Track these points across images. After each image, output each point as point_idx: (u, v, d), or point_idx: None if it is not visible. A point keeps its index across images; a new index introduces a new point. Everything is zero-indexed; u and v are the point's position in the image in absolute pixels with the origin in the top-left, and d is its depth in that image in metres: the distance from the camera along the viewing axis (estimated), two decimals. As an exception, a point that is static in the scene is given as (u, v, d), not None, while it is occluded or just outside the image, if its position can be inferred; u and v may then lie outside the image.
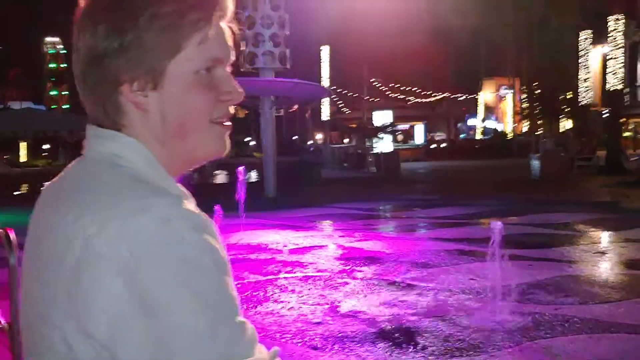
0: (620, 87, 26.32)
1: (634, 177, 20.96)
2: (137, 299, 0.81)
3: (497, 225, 6.27)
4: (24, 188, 25.83)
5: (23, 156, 42.36)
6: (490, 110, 59.64)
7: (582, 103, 36.16)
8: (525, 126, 53.68)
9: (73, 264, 0.85)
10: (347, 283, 7.41)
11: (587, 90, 35.66)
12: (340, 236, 10.96)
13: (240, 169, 11.85)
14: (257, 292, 6.97)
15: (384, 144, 38.62)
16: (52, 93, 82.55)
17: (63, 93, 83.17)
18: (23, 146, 42.24)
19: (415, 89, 61.12)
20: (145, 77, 0.92)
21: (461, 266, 8.23)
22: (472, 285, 7.17)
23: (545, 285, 7.17)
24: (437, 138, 57.30)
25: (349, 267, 8.33)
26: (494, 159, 36.81)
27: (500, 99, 57.80)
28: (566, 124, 47.61)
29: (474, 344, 5.18)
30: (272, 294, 6.92)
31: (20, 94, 68.97)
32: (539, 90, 47.92)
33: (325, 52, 56.60)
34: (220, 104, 0.97)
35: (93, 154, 0.96)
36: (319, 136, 56.74)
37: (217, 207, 8.60)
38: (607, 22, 26.78)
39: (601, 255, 8.94)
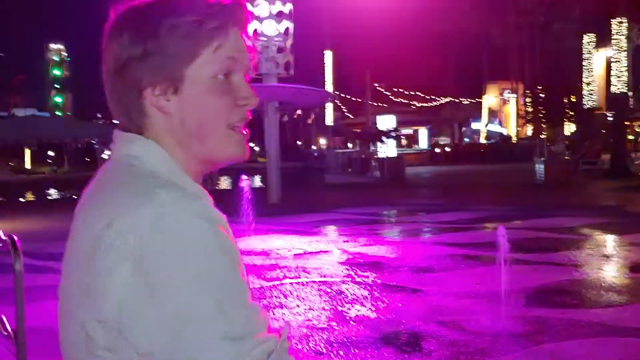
0: (624, 90, 26.28)
1: (639, 181, 20.91)
2: (146, 284, 0.86)
3: (502, 229, 6.25)
4: (29, 195, 25.88)
5: (27, 163, 42.47)
6: (494, 114, 59.62)
7: (586, 106, 36.08)
8: (529, 130, 53.64)
9: (87, 255, 0.91)
10: (351, 288, 7.40)
11: (591, 94, 35.61)
12: (344, 241, 10.95)
13: (244, 176, 11.89)
14: (262, 298, 6.97)
15: (387, 149, 38.61)
16: (56, 100, 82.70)
17: (67, 100, 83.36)
18: (27, 153, 42.35)
19: (419, 93, 61.12)
20: (166, 82, 0.99)
21: (466, 271, 8.22)
22: (478, 289, 7.15)
23: (551, 289, 7.15)
24: (441, 142, 57.26)
25: (353, 272, 8.32)
26: (498, 163, 36.77)
27: (504, 102, 57.76)
28: (570, 128, 47.57)
29: (480, 349, 5.17)
30: (277, 300, 6.91)
31: (24, 101, 69.13)
32: (543, 94, 47.92)
33: (328, 57, 56.68)
34: (237, 108, 1.03)
35: (115, 157, 1.03)
36: (323, 141, 56.78)
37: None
38: (611, 26, 26.77)
39: (606, 259, 8.91)
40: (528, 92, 52.74)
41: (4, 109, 63.10)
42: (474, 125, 63.00)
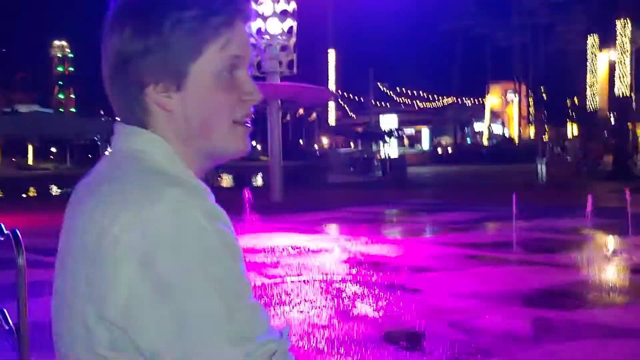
0: (627, 92, 26.25)
1: (641, 183, 20.88)
2: (153, 283, 0.84)
3: (503, 230, 6.25)
4: (32, 191, 25.91)
5: (30, 159, 42.53)
6: (496, 115, 59.56)
7: (589, 108, 36.04)
8: (531, 131, 53.59)
9: (91, 251, 0.89)
10: (353, 287, 7.39)
11: (594, 95, 35.55)
12: (346, 240, 10.95)
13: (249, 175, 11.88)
14: (263, 295, 6.97)
15: (390, 149, 38.60)
16: (59, 96, 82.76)
17: (71, 96, 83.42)
18: (30, 149, 42.41)
19: (422, 93, 61.11)
20: (169, 79, 0.96)
21: (468, 271, 8.21)
22: (480, 289, 7.15)
23: (553, 290, 7.14)
24: (443, 142, 57.22)
25: (355, 271, 8.32)
26: (500, 163, 36.75)
27: (507, 103, 57.71)
28: (573, 129, 47.52)
29: (482, 349, 5.16)
30: (279, 297, 6.91)
31: (28, 97, 69.22)
32: (546, 95, 47.88)
33: (331, 56, 56.66)
34: (242, 104, 1.01)
35: (118, 149, 1.00)
36: (325, 140, 56.78)
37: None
38: (615, 27, 26.73)
39: (609, 260, 8.90)
40: (531, 93, 52.73)
41: (7, 106, 63.20)
42: (476, 126, 62.94)
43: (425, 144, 58.87)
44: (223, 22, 0.97)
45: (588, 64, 34.85)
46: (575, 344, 5.26)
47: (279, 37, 18.84)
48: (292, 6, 19.07)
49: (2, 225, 3.84)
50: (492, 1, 46.13)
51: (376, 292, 7.12)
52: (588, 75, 35.01)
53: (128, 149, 0.98)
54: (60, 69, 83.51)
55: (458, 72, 60.99)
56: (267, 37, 18.75)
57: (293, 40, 19.19)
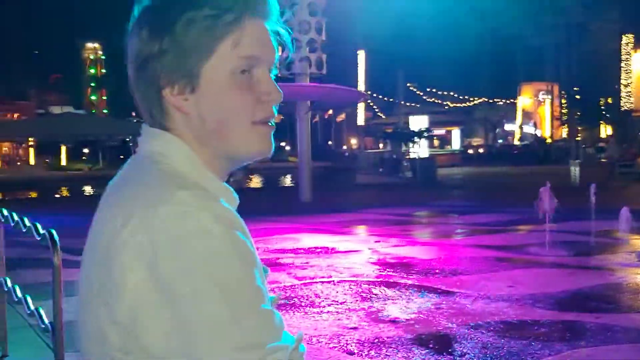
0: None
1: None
2: (159, 287, 0.84)
3: (535, 232, 6.18)
4: (66, 191, 26.32)
5: (63, 160, 43.20)
6: (528, 116, 58.90)
7: (624, 108, 35.46)
8: (564, 132, 52.89)
9: (103, 253, 0.89)
10: (382, 288, 7.37)
11: (629, 96, 34.97)
12: (375, 241, 10.92)
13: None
14: (293, 296, 6.98)
15: (419, 149, 38.41)
16: (92, 98, 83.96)
17: (103, 98, 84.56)
18: (63, 150, 43.08)
19: (452, 93, 60.70)
20: (183, 80, 0.96)
21: (500, 273, 8.13)
22: (511, 292, 7.07)
23: (586, 293, 7.04)
24: (474, 143, 56.77)
25: (385, 273, 8.29)
26: (532, 165, 36.32)
27: (539, 104, 57.03)
28: (606, 130, 46.78)
29: (513, 352, 5.10)
30: (308, 298, 6.92)
31: (60, 99, 70.31)
32: (579, 96, 47.20)
33: (361, 56, 56.58)
34: (262, 104, 0.99)
35: (141, 152, 1.00)
36: (354, 141, 56.70)
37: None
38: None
39: (644, 264, 8.74)
40: (564, 93, 52.04)
41: (41, 107, 64.27)
42: (508, 127, 62.32)
43: (456, 145, 58.43)
44: (232, 21, 0.95)
45: (622, 63, 34.27)
46: (609, 348, 5.18)
47: (309, 37, 18.85)
48: (322, 3, 19.06)
49: (39, 225, 3.91)
50: (525, 0, 45.61)
51: (406, 294, 7.09)
52: (623, 75, 34.44)
53: (148, 151, 0.98)
54: (92, 70, 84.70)
55: (489, 73, 60.50)
56: (297, 37, 18.77)
57: (323, 40, 19.19)
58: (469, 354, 5.11)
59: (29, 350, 5.14)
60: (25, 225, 4.00)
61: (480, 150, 52.03)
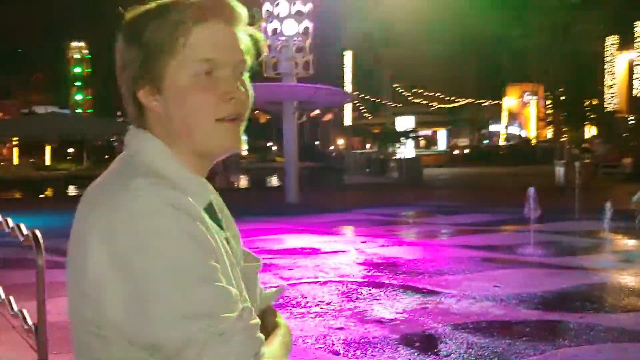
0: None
1: (661, 185, 20.64)
2: (116, 262, 0.94)
3: (521, 232, 6.21)
4: (50, 191, 26.12)
5: (48, 160, 42.86)
6: (513, 117, 59.19)
7: (607, 109, 35.75)
8: (549, 132, 53.24)
9: (75, 237, 1.02)
10: (369, 289, 7.39)
11: (613, 97, 35.26)
12: (362, 242, 10.94)
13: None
14: (280, 297, 6.96)
15: (406, 150, 38.50)
16: (77, 97, 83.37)
17: (88, 97, 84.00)
18: (48, 150, 42.75)
19: (438, 94, 60.89)
20: (151, 83, 1.07)
21: (485, 273, 8.17)
22: (496, 292, 7.11)
23: (570, 293, 7.09)
24: (460, 144, 56.98)
25: (371, 273, 8.30)
26: (517, 165, 36.50)
27: (524, 105, 57.34)
28: (591, 131, 47.11)
29: (498, 352, 5.13)
30: (294, 299, 6.92)
31: (45, 99, 69.74)
32: (564, 97, 47.48)
33: (347, 57, 56.64)
34: (225, 103, 1.07)
35: (125, 149, 1.11)
36: (341, 142, 56.71)
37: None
38: (634, 28, 26.48)
39: (627, 264, 8.81)
40: (548, 94, 52.37)
41: (25, 107, 63.74)
42: (494, 127, 62.62)
43: (442, 145, 58.64)
44: (193, 24, 1.05)
45: (607, 65, 34.55)
46: (593, 347, 5.22)
47: (295, 38, 18.86)
48: (308, 7, 19.07)
49: (22, 226, 3.88)
50: (510, 2, 45.86)
51: (392, 294, 7.11)
52: (607, 77, 34.71)
53: (131, 148, 1.09)
54: (77, 69, 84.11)
55: (475, 74, 60.75)
56: (283, 38, 18.77)
57: (309, 41, 19.19)
58: (454, 353, 5.13)
59: (13, 351, 5.10)
60: (9, 226, 3.98)
61: (466, 151, 52.23)
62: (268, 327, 1.14)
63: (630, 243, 10.64)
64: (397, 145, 38.34)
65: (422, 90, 60.76)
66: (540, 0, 43.62)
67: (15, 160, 42.69)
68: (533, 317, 6.14)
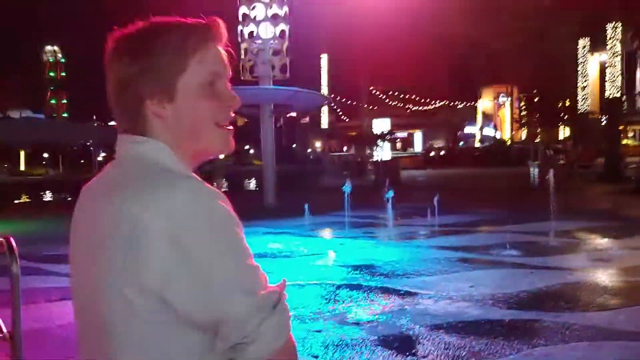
0: (618, 94, 26.39)
1: (633, 185, 20.97)
2: (181, 254, 1.06)
3: (497, 233, 6.28)
4: (25, 197, 25.79)
5: (22, 165, 42.33)
6: (488, 118, 59.71)
7: (581, 111, 36.21)
8: (523, 134, 53.76)
9: (125, 237, 1.08)
10: (347, 290, 7.41)
11: (585, 98, 35.73)
12: (340, 244, 10.96)
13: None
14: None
15: (383, 152, 38.65)
16: (51, 102, 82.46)
17: (62, 102, 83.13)
18: (22, 155, 42.21)
19: (414, 97, 61.20)
20: (162, 93, 1.19)
21: (461, 274, 8.24)
22: (472, 292, 7.17)
23: (545, 292, 7.18)
24: (436, 146, 57.30)
25: (349, 275, 8.33)
26: (492, 166, 36.83)
27: (499, 106, 57.86)
28: (564, 132, 47.60)
29: (475, 351, 5.18)
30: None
31: (19, 103, 68.91)
32: (538, 98, 47.95)
33: (324, 60, 56.72)
34: (223, 109, 1.23)
35: (129, 156, 1.21)
36: (318, 144, 56.75)
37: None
38: (605, 30, 26.88)
39: (601, 263, 8.93)
40: (523, 95, 52.89)
41: (-1, 111, 62.83)
42: (469, 129, 63.06)
43: (418, 147, 58.95)
44: (199, 43, 1.20)
45: (579, 67, 34.98)
46: (568, 346, 5.29)
47: (272, 41, 18.85)
48: (284, 10, 19.09)
49: (-4, 233, 3.83)
50: (484, 6, 46.26)
51: (370, 296, 7.14)
52: (579, 78, 35.13)
53: (138, 154, 1.19)
54: (52, 74, 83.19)
55: (450, 76, 61.17)
56: (260, 41, 18.76)
57: (286, 44, 19.20)
58: (431, 354, 5.17)
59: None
60: (-18, 233, 3.93)
61: (442, 153, 52.57)
62: None
63: (603, 242, 10.79)
64: (374, 147, 38.44)
65: (398, 93, 61.02)
66: (514, 3, 44.10)
67: (-11, 166, 42.06)
68: (509, 316, 6.20)
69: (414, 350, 5.28)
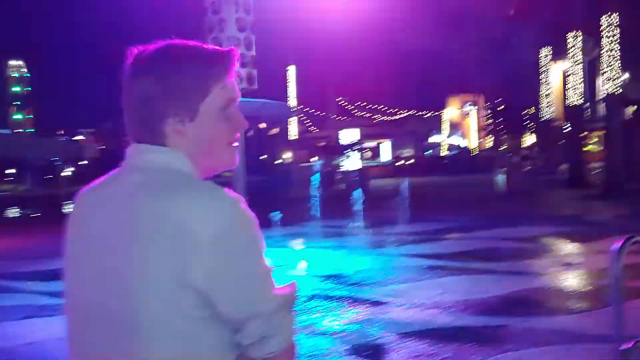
0: (580, 102, 26.86)
1: (597, 190, 21.34)
2: (226, 257, 1.18)
3: (465, 240, 6.35)
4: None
5: (-14, 181, 41.56)
6: (455, 127, 60.31)
7: (544, 118, 36.78)
8: (489, 142, 54.43)
9: (169, 238, 1.16)
10: (318, 301, 7.40)
11: (549, 106, 36.29)
12: (310, 254, 10.95)
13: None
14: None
15: (351, 162, 38.77)
16: (16, 117, 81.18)
17: (28, 116, 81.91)
18: (-14, 171, 41.44)
19: (382, 107, 61.62)
20: (184, 114, 1.29)
21: (431, 281, 8.29)
22: (442, 299, 7.22)
23: (515, 298, 7.26)
24: (404, 155, 57.67)
25: (319, 285, 8.33)
26: (460, 174, 37.18)
27: (465, 115, 58.52)
28: (529, 139, 48.32)
29: (445, 358, 5.22)
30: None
31: (-18, 118, 67.64)
32: (502, 106, 48.66)
33: (291, 71, 56.82)
34: (233, 131, 1.36)
35: (153, 164, 1.28)
36: (287, 155, 56.71)
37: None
38: (566, 39, 27.39)
39: (568, 267, 9.07)
40: (488, 104, 53.60)
41: (-39, 127, 61.64)
42: (436, 138, 63.63)
43: (387, 157, 59.22)
44: (222, 72, 1.31)
45: (542, 75, 35.55)
46: (538, 350, 5.35)
47: (239, 52, 18.83)
48: (250, 19, 19.08)
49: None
50: (448, 15, 46.85)
51: (341, 306, 7.14)
52: (542, 86, 35.69)
53: (164, 163, 1.28)
54: (16, 88, 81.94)
55: (416, 86, 61.72)
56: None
57: (253, 55, 19.19)
58: (403, 362, 5.19)
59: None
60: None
61: (410, 162, 52.91)
62: None
63: (569, 247, 10.96)
64: (343, 157, 38.57)
65: (365, 104, 61.38)
66: (477, 13, 44.71)
67: (-49, 183, 41.27)
68: (479, 322, 6.26)
69: (385, 359, 5.30)
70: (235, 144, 1.37)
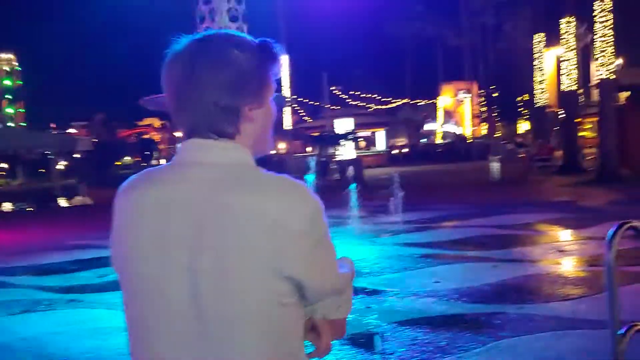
0: (574, 88, 26.86)
1: (591, 176, 21.39)
2: (316, 247, 1.29)
3: (460, 228, 6.35)
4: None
5: (-21, 176, 41.41)
6: (449, 115, 60.30)
7: (538, 105, 36.79)
8: (484, 129, 54.47)
9: (266, 233, 1.23)
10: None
11: (543, 92, 36.27)
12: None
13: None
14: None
15: (346, 151, 38.75)
16: (8, 110, 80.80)
17: (20, 110, 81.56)
18: (-21, 166, 41.30)
19: (375, 95, 61.55)
20: (257, 101, 1.37)
21: (426, 269, 8.30)
22: (437, 287, 7.24)
23: (509, 285, 7.28)
24: (398, 144, 57.68)
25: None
26: (454, 162, 37.25)
27: (459, 103, 58.50)
28: (524, 126, 48.37)
29: (441, 347, 5.23)
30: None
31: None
32: (496, 94, 48.66)
33: (284, 61, 56.66)
34: (274, 116, 1.46)
35: (226, 160, 1.32)
36: (282, 145, 56.68)
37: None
38: (559, 25, 27.35)
39: (562, 254, 9.10)
40: (482, 91, 53.60)
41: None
42: (430, 126, 63.63)
43: (381, 146, 59.24)
44: (273, 59, 1.40)
45: (536, 61, 35.52)
46: (533, 337, 5.36)
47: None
48: (241, 8, 18.99)
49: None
50: (441, 3, 46.80)
51: (336, 296, 7.14)
52: (536, 73, 35.66)
53: (237, 159, 1.33)
54: (8, 82, 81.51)
55: (410, 74, 61.67)
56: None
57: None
58: (398, 351, 5.20)
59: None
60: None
61: (405, 150, 52.94)
62: None
63: (564, 233, 10.99)
64: (337, 147, 38.51)
65: (359, 93, 61.30)
66: (470, 0, 44.64)
67: (-56, 178, 41.11)
68: (474, 310, 6.28)
69: (380, 348, 5.30)
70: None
